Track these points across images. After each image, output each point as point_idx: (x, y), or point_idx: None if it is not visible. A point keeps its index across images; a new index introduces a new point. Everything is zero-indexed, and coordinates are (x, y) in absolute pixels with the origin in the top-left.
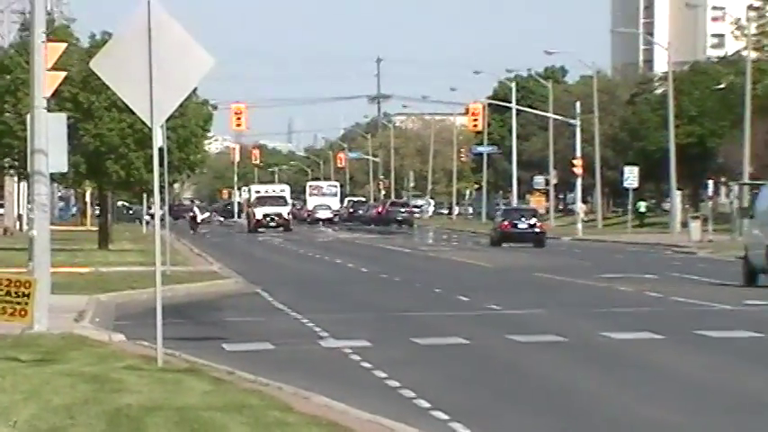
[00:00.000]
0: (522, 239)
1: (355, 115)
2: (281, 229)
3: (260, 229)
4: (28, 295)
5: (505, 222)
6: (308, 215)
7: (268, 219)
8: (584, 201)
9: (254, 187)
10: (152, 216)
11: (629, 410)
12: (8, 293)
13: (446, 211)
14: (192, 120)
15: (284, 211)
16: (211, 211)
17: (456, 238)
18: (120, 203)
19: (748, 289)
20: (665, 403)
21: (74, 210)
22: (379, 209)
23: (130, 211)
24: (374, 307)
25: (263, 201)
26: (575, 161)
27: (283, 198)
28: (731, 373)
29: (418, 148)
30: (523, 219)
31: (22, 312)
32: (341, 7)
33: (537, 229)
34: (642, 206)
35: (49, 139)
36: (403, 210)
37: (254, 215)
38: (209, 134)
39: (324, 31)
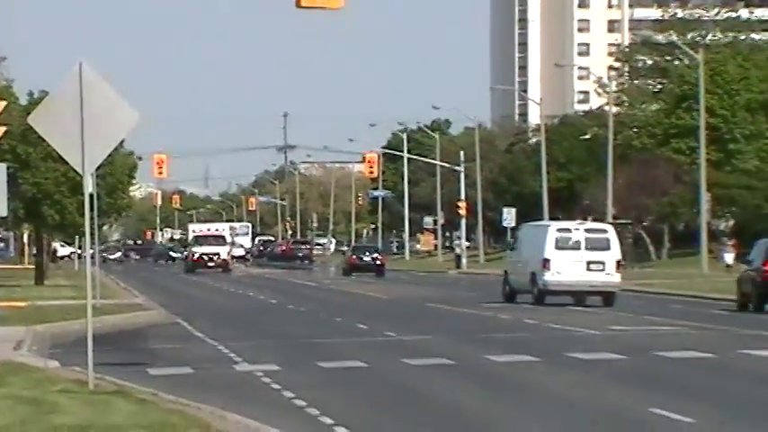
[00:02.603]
0: (366, 269)
1: (265, 163)
2: (221, 270)
3: (198, 270)
4: None
5: (353, 257)
6: None
7: (206, 258)
8: (468, 239)
9: (192, 226)
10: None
11: (510, 425)
12: None
13: (346, 249)
14: (118, 169)
15: (223, 251)
16: (125, 249)
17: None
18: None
19: (611, 314)
20: (541, 418)
21: (12, 251)
22: (284, 247)
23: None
24: (283, 334)
25: (201, 240)
26: (459, 203)
27: (223, 237)
28: (598, 391)
29: (321, 192)
30: (367, 253)
31: None
32: (251, 67)
33: (378, 262)
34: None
35: None
36: (304, 247)
37: (192, 255)
38: (134, 181)
39: (236, 88)
